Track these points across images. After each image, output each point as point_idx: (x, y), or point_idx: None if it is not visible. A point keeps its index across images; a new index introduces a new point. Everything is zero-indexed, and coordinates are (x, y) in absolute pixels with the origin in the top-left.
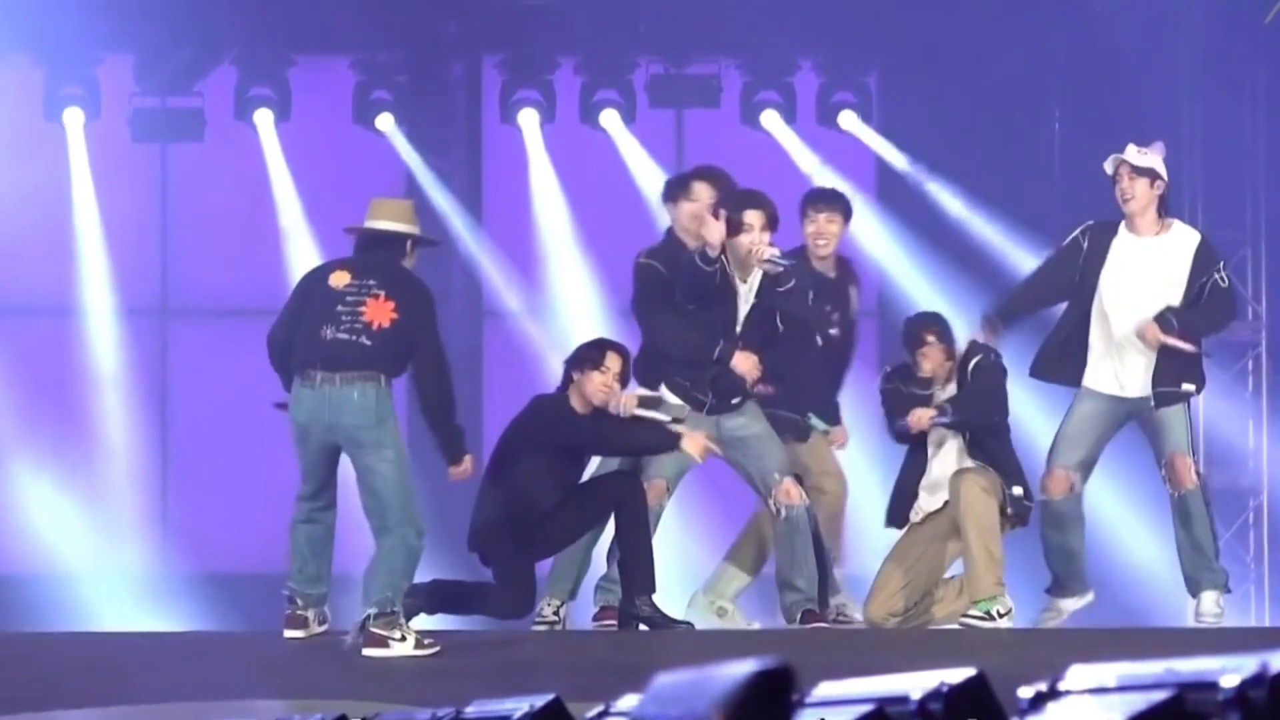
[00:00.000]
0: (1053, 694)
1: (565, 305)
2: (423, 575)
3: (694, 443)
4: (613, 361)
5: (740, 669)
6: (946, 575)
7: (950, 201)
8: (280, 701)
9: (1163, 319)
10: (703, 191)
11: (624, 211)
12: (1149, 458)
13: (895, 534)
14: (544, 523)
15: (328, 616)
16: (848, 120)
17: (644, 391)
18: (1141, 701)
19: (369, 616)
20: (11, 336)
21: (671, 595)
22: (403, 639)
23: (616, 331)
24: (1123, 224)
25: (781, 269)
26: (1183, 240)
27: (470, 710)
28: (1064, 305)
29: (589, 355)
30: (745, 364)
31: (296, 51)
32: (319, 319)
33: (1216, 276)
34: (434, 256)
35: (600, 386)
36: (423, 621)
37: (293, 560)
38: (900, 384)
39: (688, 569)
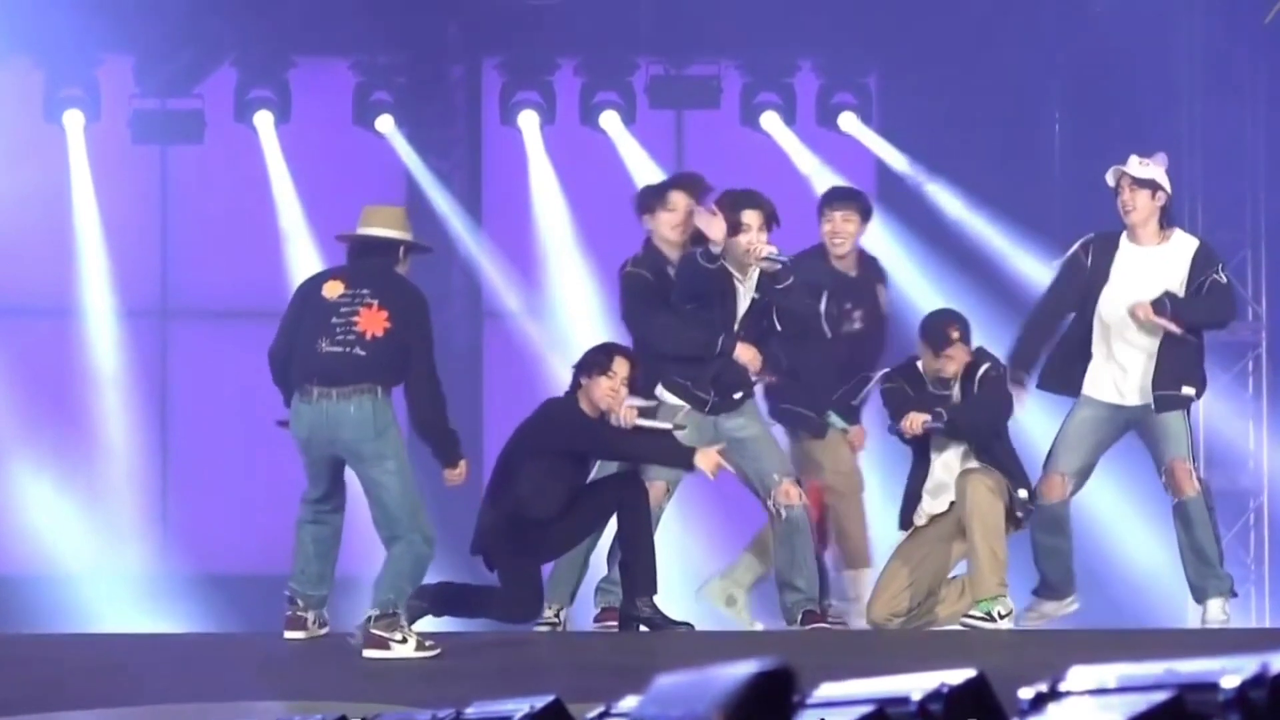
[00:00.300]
0: (1053, 695)
1: (565, 306)
2: (427, 577)
3: (707, 460)
4: (620, 367)
5: (741, 670)
6: (950, 575)
7: (950, 202)
8: (280, 703)
9: (1158, 301)
10: (680, 200)
11: (624, 213)
12: (1150, 460)
13: (899, 535)
14: (549, 526)
15: (327, 619)
16: (848, 121)
17: (640, 401)
18: (1142, 702)
19: (370, 618)
20: (12, 337)
21: (672, 596)
22: (404, 641)
23: (616, 333)
24: (1124, 235)
25: (779, 267)
26: (1183, 247)
27: (470, 711)
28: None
29: (596, 360)
30: (747, 354)
31: (296, 53)
32: (314, 332)
33: (1214, 275)
34: (433, 258)
35: (607, 392)
36: (424, 623)
37: (296, 560)
38: (905, 384)
39: (688, 569)
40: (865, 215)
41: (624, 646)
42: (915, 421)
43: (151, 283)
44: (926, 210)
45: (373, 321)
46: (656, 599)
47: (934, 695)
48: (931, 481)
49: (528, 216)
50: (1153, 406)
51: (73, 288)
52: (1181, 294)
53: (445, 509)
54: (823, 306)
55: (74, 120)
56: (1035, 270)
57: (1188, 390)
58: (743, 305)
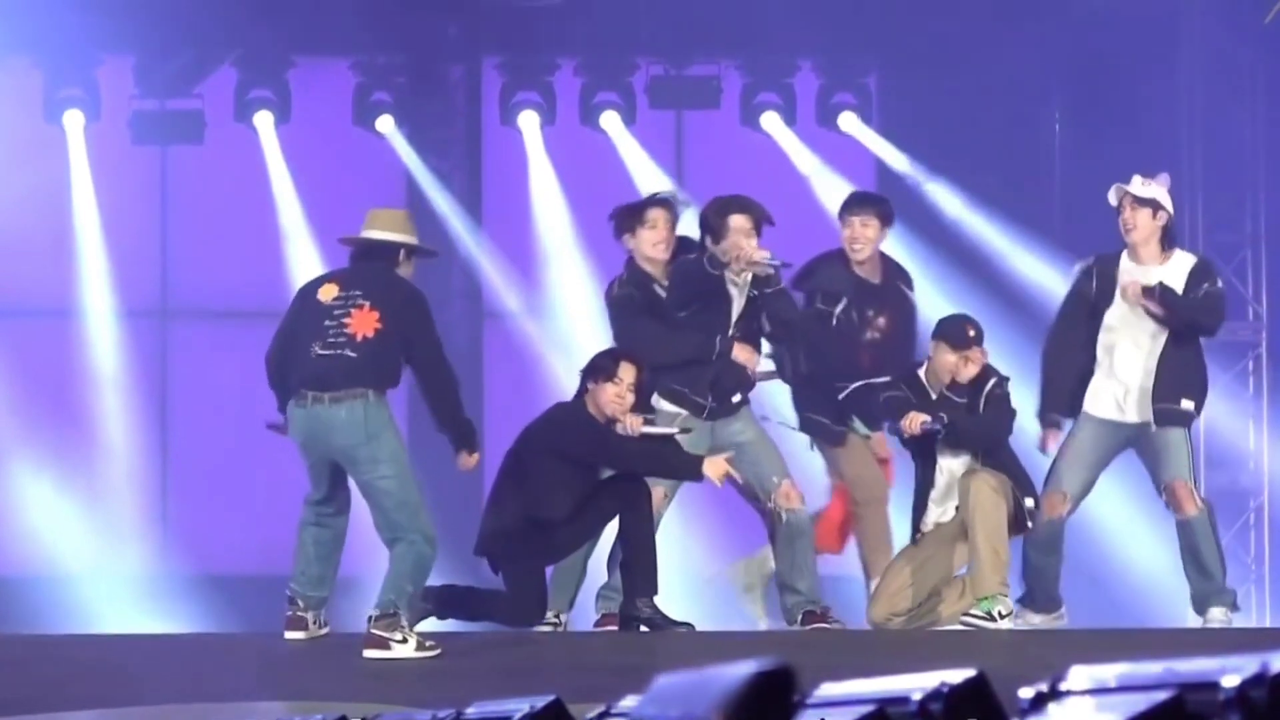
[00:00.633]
0: (1053, 694)
1: (565, 306)
2: (430, 579)
3: (715, 469)
4: (626, 372)
5: (741, 670)
6: (955, 576)
7: (950, 202)
8: (280, 703)
9: (1150, 287)
10: (659, 217)
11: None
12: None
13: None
14: (557, 529)
15: (327, 620)
16: (847, 121)
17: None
18: (1142, 702)
19: (370, 618)
20: (12, 338)
21: (672, 596)
22: (404, 641)
23: None
24: (1124, 254)
25: (771, 270)
26: (1182, 264)
27: (470, 711)
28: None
29: (603, 365)
30: (744, 354)
31: (296, 53)
32: (309, 336)
33: (1209, 286)
34: (433, 259)
35: (613, 398)
36: (424, 623)
37: (297, 562)
38: (908, 392)
39: (688, 570)
40: (885, 220)
41: (624, 646)
42: (915, 421)
43: (151, 283)
44: (926, 210)
45: (363, 323)
46: (656, 599)
47: (934, 695)
48: (937, 491)
49: (528, 217)
50: (1152, 421)
51: (73, 288)
52: None
53: (446, 511)
54: (839, 312)
55: (74, 120)
56: (1035, 270)
57: (1187, 404)
58: (736, 309)
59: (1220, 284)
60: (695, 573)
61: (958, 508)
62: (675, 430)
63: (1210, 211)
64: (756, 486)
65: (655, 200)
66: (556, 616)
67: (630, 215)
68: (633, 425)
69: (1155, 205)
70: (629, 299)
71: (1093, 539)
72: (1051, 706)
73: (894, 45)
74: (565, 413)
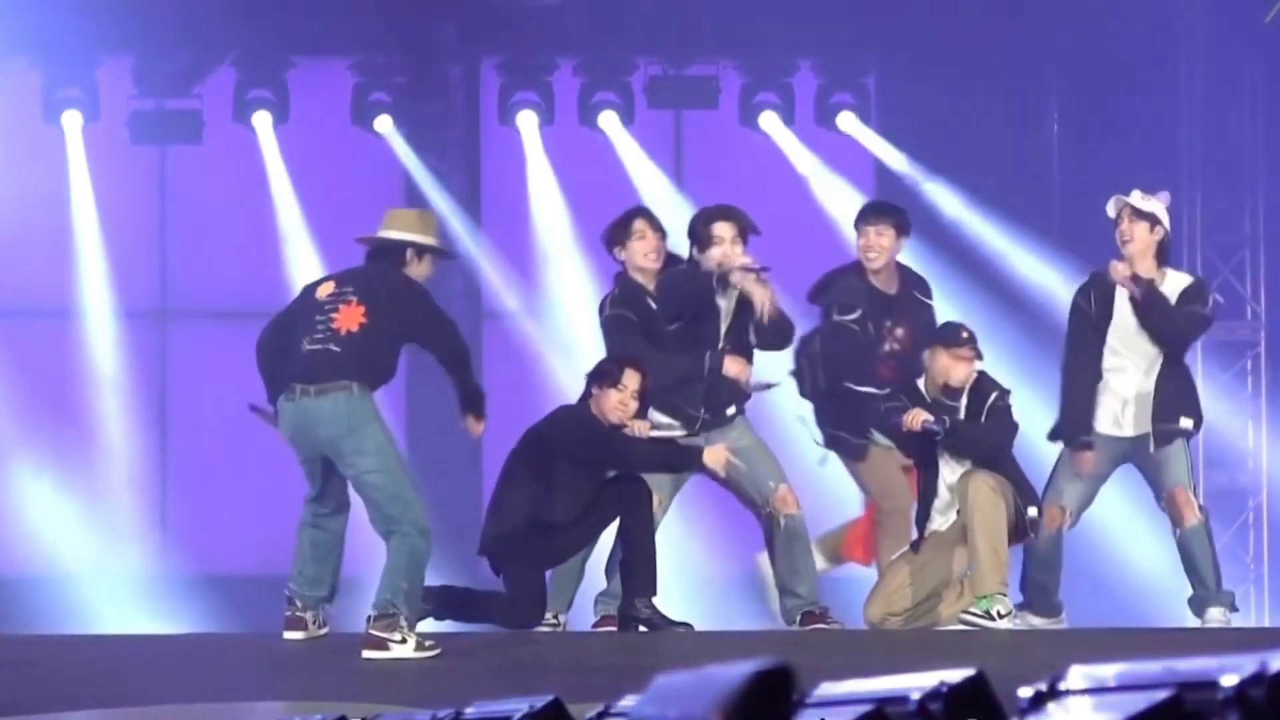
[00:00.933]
0: (1052, 694)
1: (564, 306)
2: (431, 579)
3: (715, 456)
4: (630, 380)
5: (740, 669)
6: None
7: (949, 202)
8: (280, 703)
9: (1138, 276)
10: (645, 227)
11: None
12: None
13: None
14: (560, 531)
15: (326, 620)
16: (846, 121)
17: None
18: (1141, 701)
19: (369, 618)
20: (11, 338)
21: (672, 596)
22: (403, 641)
23: None
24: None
25: (754, 276)
26: (1175, 283)
27: (470, 711)
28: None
29: (608, 371)
30: (735, 367)
31: (295, 53)
32: (301, 331)
33: (1197, 308)
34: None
35: (617, 404)
36: (423, 624)
37: (295, 561)
38: (909, 402)
39: (688, 570)
40: (901, 230)
41: (623, 646)
42: (916, 418)
43: (150, 283)
44: (925, 210)
45: (349, 318)
46: (655, 600)
47: (933, 694)
48: (940, 501)
49: (526, 217)
50: (1152, 441)
51: (72, 288)
52: None
53: (446, 512)
54: (854, 323)
55: (73, 121)
56: (1034, 270)
57: (1186, 422)
58: (725, 320)
59: (1209, 309)
60: (694, 573)
61: (959, 513)
62: (680, 433)
63: (1209, 211)
64: (753, 492)
65: (637, 211)
66: (555, 617)
67: (618, 229)
68: (640, 429)
69: (1153, 220)
70: (621, 319)
71: (1092, 540)
72: (1051, 706)
73: (893, 45)
74: (571, 415)
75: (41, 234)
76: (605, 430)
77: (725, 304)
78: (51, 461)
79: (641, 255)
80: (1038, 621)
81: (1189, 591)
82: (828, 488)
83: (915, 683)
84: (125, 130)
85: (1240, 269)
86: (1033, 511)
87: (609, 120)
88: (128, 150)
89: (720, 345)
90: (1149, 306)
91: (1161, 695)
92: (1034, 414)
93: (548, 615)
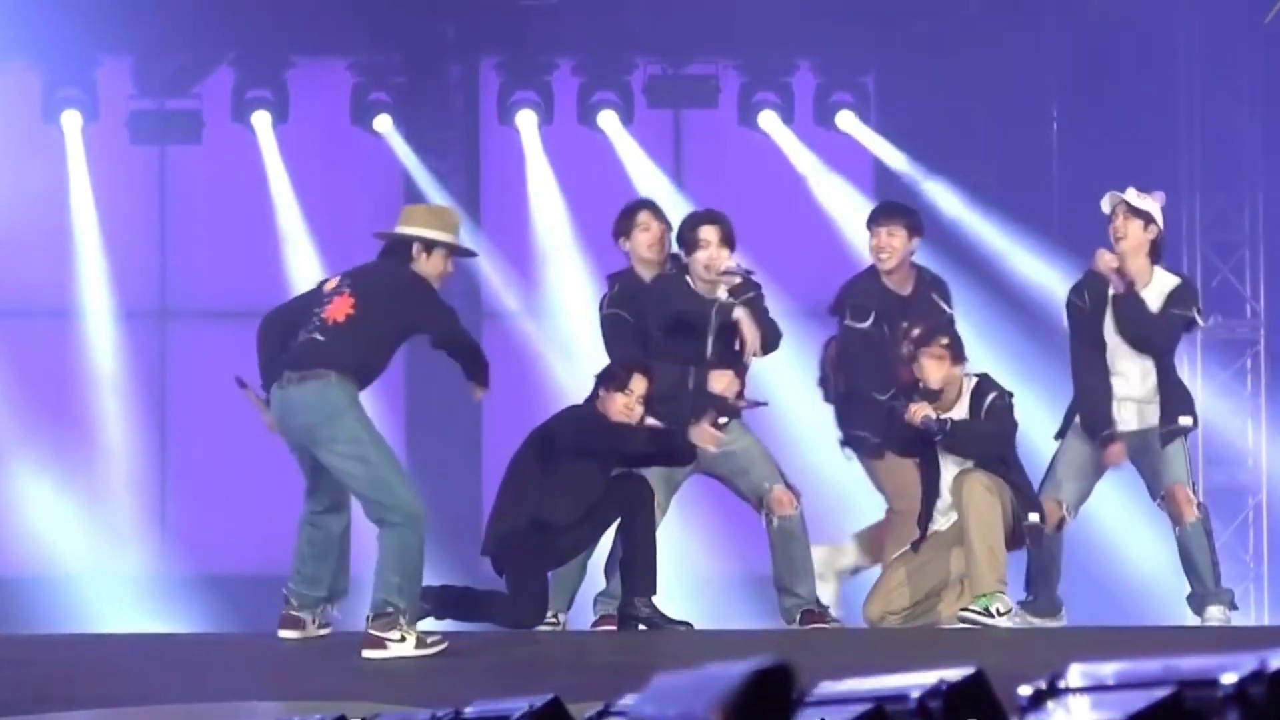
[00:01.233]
0: (1052, 692)
1: (564, 306)
2: (432, 580)
3: (701, 434)
4: (637, 384)
5: (739, 668)
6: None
7: (948, 201)
8: (280, 703)
9: (1123, 270)
10: (650, 219)
11: None
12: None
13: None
14: (565, 531)
15: (329, 621)
16: (845, 120)
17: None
18: (1141, 699)
19: (368, 618)
20: (11, 339)
21: (671, 597)
22: (401, 640)
23: None
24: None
25: (739, 280)
26: (1163, 284)
27: (469, 710)
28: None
29: (615, 374)
30: (721, 383)
31: (294, 53)
32: (301, 322)
33: (1180, 312)
34: None
35: (622, 408)
36: (423, 623)
37: (294, 560)
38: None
39: (687, 570)
40: (913, 230)
41: (623, 645)
42: (918, 412)
43: (150, 283)
44: (925, 209)
45: (338, 309)
46: (655, 599)
47: (933, 692)
48: (942, 502)
49: (526, 216)
50: (1150, 433)
51: (71, 289)
52: None
53: (446, 512)
54: (868, 326)
55: (72, 121)
56: (1033, 269)
57: (1185, 420)
58: (712, 331)
59: (1193, 313)
60: (694, 572)
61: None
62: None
63: (1209, 210)
64: (749, 494)
65: (642, 203)
66: (555, 616)
67: (623, 219)
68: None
69: (1148, 218)
70: (616, 320)
71: (1092, 538)
72: (1050, 704)
73: (892, 44)
74: (575, 413)
75: (41, 234)
76: (608, 424)
77: (713, 313)
78: (51, 462)
79: (645, 246)
80: (1037, 620)
81: (1188, 590)
82: (829, 488)
83: (915, 681)
84: (125, 130)
85: (1240, 268)
86: (1034, 518)
87: (608, 120)
88: (127, 150)
89: (707, 357)
90: (1123, 313)
91: (1161, 693)
92: (1034, 414)
93: (548, 614)
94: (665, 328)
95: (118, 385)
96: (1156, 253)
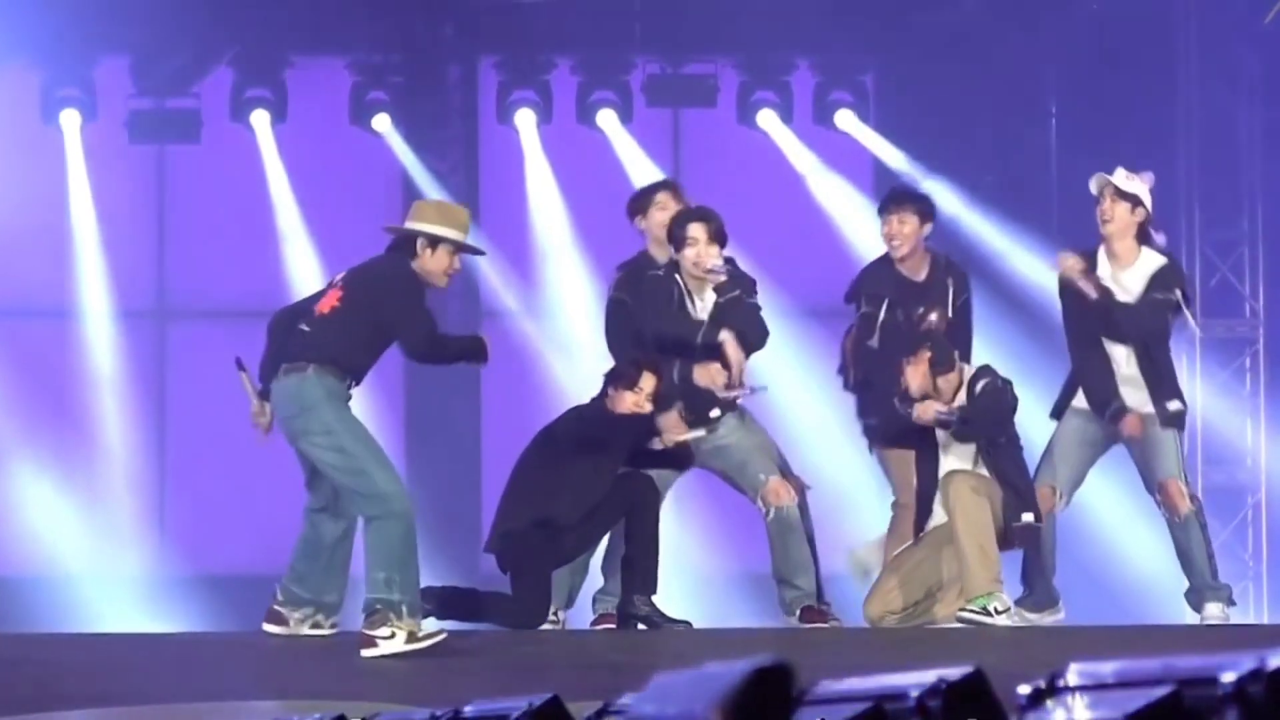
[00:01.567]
0: (1052, 690)
1: (563, 305)
2: (434, 579)
3: (667, 422)
4: (647, 382)
5: (739, 667)
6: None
7: (947, 200)
8: (279, 702)
9: (1089, 274)
10: (669, 199)
11: (621, 211)
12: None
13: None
14: (563, 534)
15: (321, 622)
16: (844, 119)
17: None
18: (1140, 698)
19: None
20: (9, 339)
21: (670, 595)
22: (390, 636)
23: None
24: (1101, 250)
25: (723, 278)
26: (1147, 265)
27: (468, 710)
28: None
29: (625, 373)
30: (706, 375)
31: (293, 52)
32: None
33: (1159, 294)
34: None
35: (632, 406)
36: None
37: (292, 554)
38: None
39: (686, 569)
40: (924, 216)
41: (622, 644)
42: (929, 409)
43: (149, 283)
44: None
45: (326, 301)
46: (655, 599)
47: (932, 691)
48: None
49: (525, 215)
50: (1147, 419)
51: (70, 288)
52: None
53: (446, 512)
54: (882, 315)
55: (71, 120)
56: (1033, 268)
57: (1174, 405)
58: (701, 327)
59: (1175, 295)
60: (693, 573)
61: None
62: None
63: (1208, 209)
64: (746, 486)
65: (662, 184)
66: (555, 614)
67: (641, 197)
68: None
69: (1135, 200)
70: (619, 305)
71: (1091, 536)
72: (1050, 703)
73: (891, 43)
74: (581, 411)
75: (39, 234)
76: (613, 422)
77: (702, 304)
78: (50, 461)
79: (659, 226)
80: (1035, 615)
81: (1186, 585)
82: (829, 488)
83: (914, 680)
84: (123, 130)
85: (1239, 266)
86: (1027, 518)
87: (607, 119)
88: (126, 149)
89: (694, 349)
90: (1103, 317)
91: (1161, 692)
92: (1034, 414)
93: (549, 610)
94: (654, 316)
95: (116, 385)
96: (1144, 234)
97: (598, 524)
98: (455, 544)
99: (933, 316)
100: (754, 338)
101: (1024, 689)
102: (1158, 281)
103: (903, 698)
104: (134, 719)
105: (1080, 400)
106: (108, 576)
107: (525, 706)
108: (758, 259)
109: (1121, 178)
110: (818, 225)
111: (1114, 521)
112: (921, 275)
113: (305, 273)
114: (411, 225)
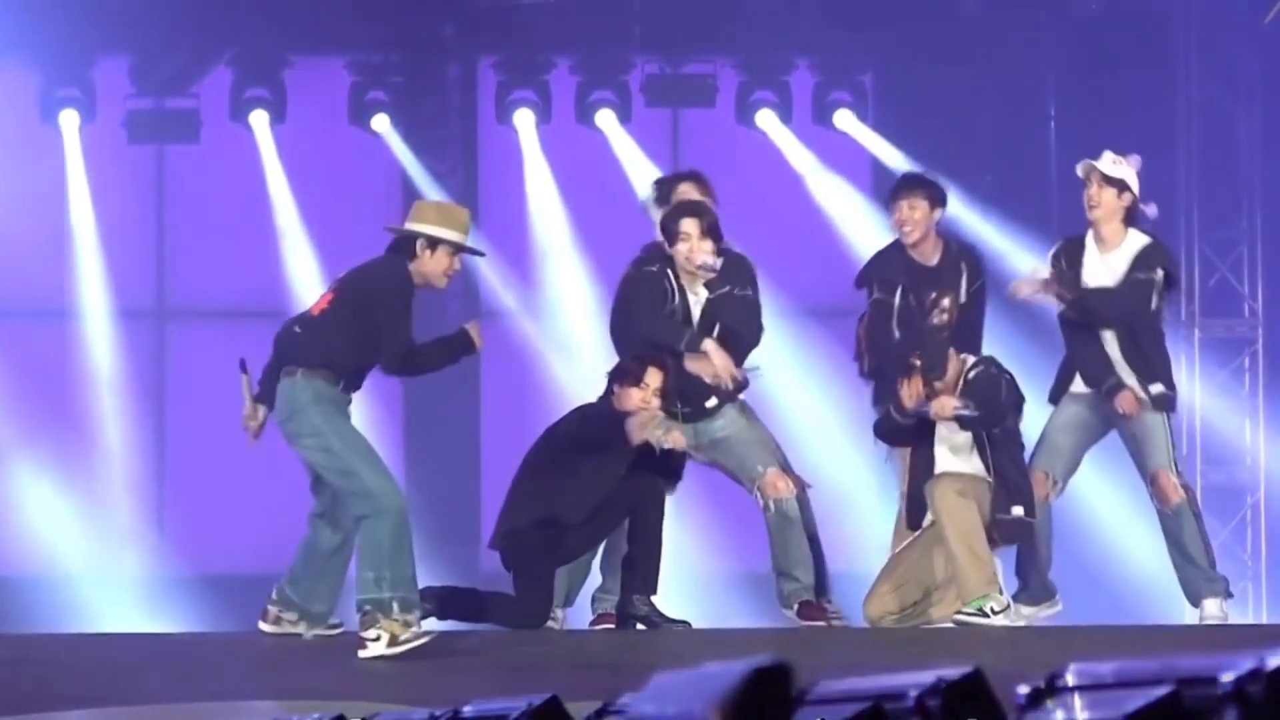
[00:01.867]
0: (1051, 690)
1: (562, 305)
2: (427, 580)
3: (634, 422)
4: (653, 378)
5: (738, 667)
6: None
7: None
8: (279, 703)
9: (1048, 281)
10: (691, 190)
11: (620, 211)
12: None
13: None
14: (568, 533)
15: (314, 624)
16: (843, 119)
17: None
18: (1140, 697)
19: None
20: (8, 339)
21: (669, 595)
22: (377, 638)
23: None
24: (1089, 235)
25: (713, 274)
26: (1131, 247)
27: (468, 710)
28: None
29: (630, 370)
30: (695, 366)
31: (292, 52)
32: None
33: (1141, 273)
34: None
35: (639, 402)
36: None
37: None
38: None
39: (686, 569)
40: (935, 201)
41: (621, 644)
42: (946, 406)
43: (148, 283)
44: None
45: (320, 303)
46: (654, 599)
47: (931, 690)
48: None
49: (524, 215)
50: (1151, 403)
51: (69, 289)
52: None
53: (446, 512)
54: (896, 302)
55: (70, 120)
56: (1032, 268)
57: (1156, 388)
58: (695, 319)
59: (1157, 274)
60: (693, 572)
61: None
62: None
63: (1207, 209)
64: (744, 479)
65: (687, 174)
66: (554, 612)
67: (664, 184)
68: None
69: (1122, 185)
70: (645, 278)
71: (1090, 535)
72: (1049, 702)
73: (890, 43)
74: (585, 411)
75: (39, 234)
76: (619, 417)
77: (695, 298)
78: (49, 462)
79: None
80: (1032, 610)
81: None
82: (829, 488)
83: (913, 679)
84: (122, 130)
85: (1238, 266)
86: (1017, 511)
87: (606, 119)
88: (125, 150)
89: (685, 341)
90: (1082, 313)
91: (1160, 692)
92: (1034, 414)
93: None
94: (648, 309)
95: (115, 385)
96: (1131, 218)
97: (602, 524)
98: (455, 544)
99: (945, 301)
100: (747, 334)
101: (1023, 689)
102: (1140, 262)
103: (902, 698)
104: (134, 719)
105: (1077, 385)
106: (107, 577)
107: (525, 706)
108: (757, 259)
109: (1108, 163)
110: (817, 225)
111: (1113, 521)
112: (934, 260)
113: (304, 273)
114: (411, 226)
